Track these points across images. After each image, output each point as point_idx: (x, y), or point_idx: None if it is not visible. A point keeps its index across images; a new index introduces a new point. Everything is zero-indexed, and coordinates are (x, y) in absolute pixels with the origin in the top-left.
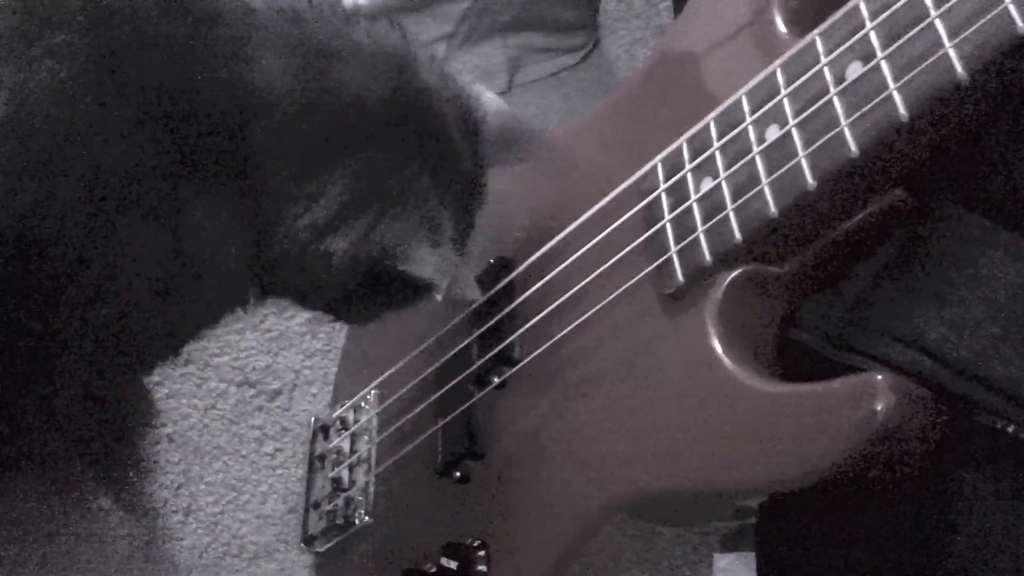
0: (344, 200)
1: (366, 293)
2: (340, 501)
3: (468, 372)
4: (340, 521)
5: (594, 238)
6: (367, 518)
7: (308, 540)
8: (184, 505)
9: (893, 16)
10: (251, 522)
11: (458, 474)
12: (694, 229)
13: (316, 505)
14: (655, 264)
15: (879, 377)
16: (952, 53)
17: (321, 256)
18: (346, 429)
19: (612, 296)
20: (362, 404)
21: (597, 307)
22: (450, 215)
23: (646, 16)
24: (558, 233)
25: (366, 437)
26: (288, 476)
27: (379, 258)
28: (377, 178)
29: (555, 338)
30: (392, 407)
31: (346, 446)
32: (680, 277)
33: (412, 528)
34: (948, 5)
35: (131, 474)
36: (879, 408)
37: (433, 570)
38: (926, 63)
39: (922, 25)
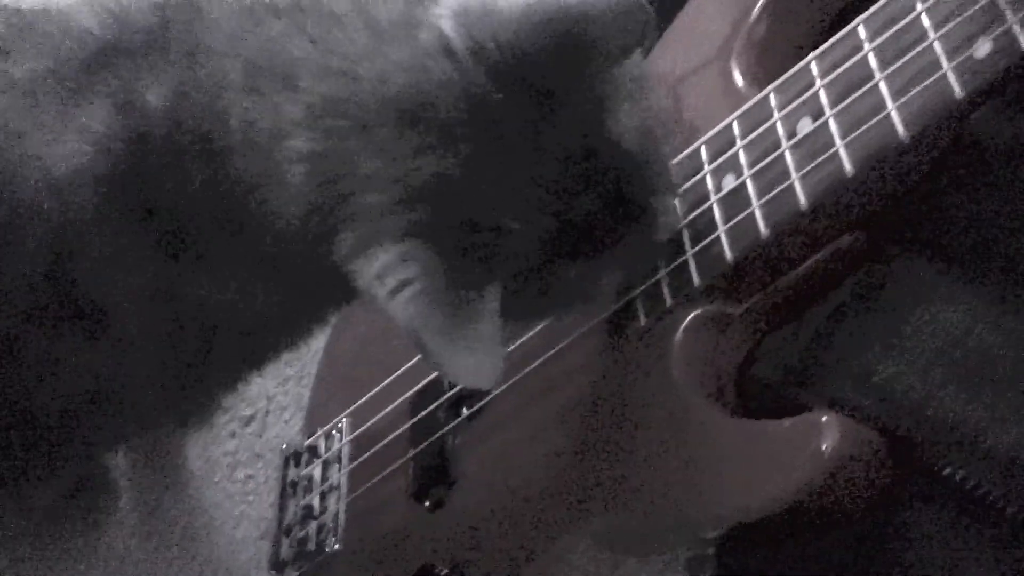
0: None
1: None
2: (311, 528)
3: (440, 401)
4: (311, 547)
5: None
6: (338, 545)
7: (279, 566)
8: (157, 530)
9: (841, 76)
10: (223, 547)
11: (429, 501)
12: (656, 271)
13: (288, 531)
14: (621, 303)
15: (824, 418)
16: (895, 115)
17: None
18: (317, 457)
19: (581, 331)
20: (334, 432)
21: (567, 341)
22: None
23: None
24: None
25: (337, 465)
26: (260, 502)
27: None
28: None
29: (526, 370)
30: (364, 435)
31: (317, 474)
32: (643, 317)
33: (383, 555)
34: (892, 68)
35: (101, 502)
36: (824, 447)
37: None
38: (871, 122)
39: (868, 86)
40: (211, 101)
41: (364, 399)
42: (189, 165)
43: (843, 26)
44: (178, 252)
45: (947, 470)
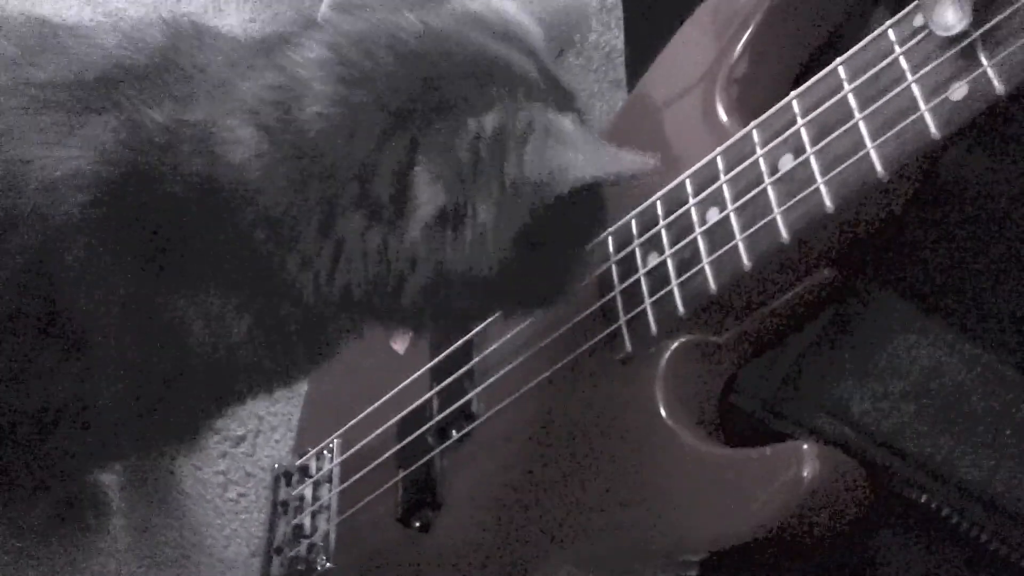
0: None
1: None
2: (302, 547)
3: (429, 425)
4: (302, 567)
5: None
6: (328, 564)
7: None
8: (148, 549)
9: (822, 115)
10: (214, 566)
11: (418, 523)
12: (641, 301)
13: (278, 550)
14: (607, 331)
15: (805, 446)
16: (873, 154)
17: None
18: (308, 477)
19: (568, 359)
20: (325, 452)
21: (554, 368)
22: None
23: (603, 70)
24: None
25: (328, 485)
26: (251, 521)
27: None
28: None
29: (513, 396)
30: (354, 456)
31: (308, 493)
32: (628, 345)
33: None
34: (871, 109)
35: (92, 520)
36: (805, 474)
37: None
38: (850, 161)
39: (848, 125)
40: (209, 121)
41: (355, 420)
42: (185, 182)
43: (820, 66)
44: (162, 270)
45: (923, 498)
